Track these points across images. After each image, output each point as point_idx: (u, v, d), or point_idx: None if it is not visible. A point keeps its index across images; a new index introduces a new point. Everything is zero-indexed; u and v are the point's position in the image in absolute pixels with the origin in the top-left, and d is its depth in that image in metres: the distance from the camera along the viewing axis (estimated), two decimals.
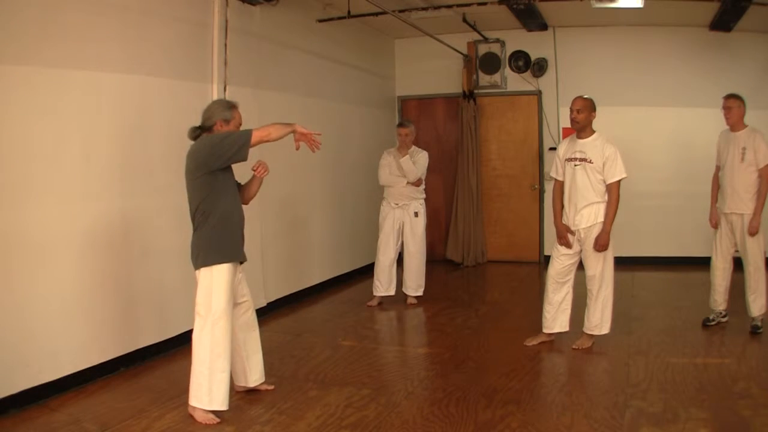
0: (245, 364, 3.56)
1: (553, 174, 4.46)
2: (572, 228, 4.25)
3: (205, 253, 3.25)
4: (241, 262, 3.42)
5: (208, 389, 3.19)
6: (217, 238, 3.25)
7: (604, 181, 4.19)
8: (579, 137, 4.29)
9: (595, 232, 4.18)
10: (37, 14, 3.44)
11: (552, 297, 4.37)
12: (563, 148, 4.40)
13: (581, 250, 4.28)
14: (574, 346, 4.36)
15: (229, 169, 3.30)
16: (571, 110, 4.25)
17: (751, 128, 4.55)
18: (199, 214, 3.27)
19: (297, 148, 3.35)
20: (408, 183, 5.63)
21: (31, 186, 3.46)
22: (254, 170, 3.47)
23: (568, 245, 4.26)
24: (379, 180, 5.76)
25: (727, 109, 4.57)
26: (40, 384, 3.47)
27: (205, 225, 3.26)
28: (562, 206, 4.36)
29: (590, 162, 4.19)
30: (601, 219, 4.18)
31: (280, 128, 3.23)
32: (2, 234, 3.31)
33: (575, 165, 4.24)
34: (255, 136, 3.13)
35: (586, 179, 4.21)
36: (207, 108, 3.40)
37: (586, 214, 4.21)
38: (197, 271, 3.29)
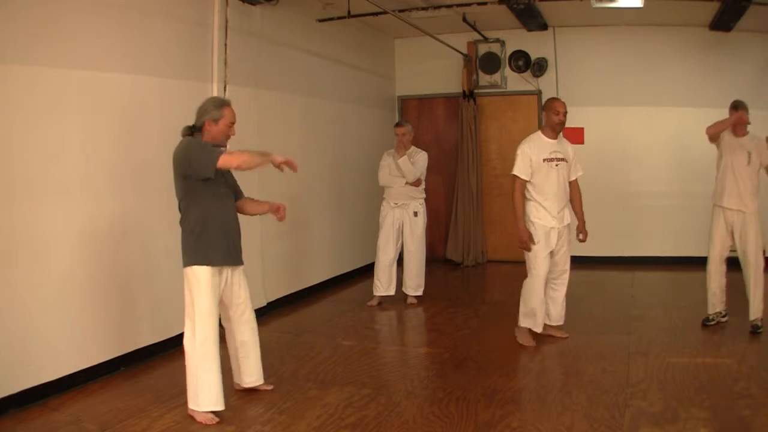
0: (241, 365, 3.57)
1: (523, 175, 4.33)
2: (556, 226, 4.35)
3: (185, 254, 3.28)
4: (234, 265, 3.40)
5: (197, 389, 3.21)
6: (194, 240, 3.26)
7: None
8: (552, 138, 4.40)
9: (571, 228, 4.48)
10: (38, 14, 3.44)
11: (542, 295, 4.43)
12: (536, 149, 4.35)
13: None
14: (565, 335, 4.59)
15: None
16: (560, 112, 4.33)
17: (753, 134, 4.61)
18: (180, 215, 3.31)
19: (281, 170, 3.32)
20: (407, 183, 5.63)
21: (31, 185, 3.46)
22: (274, 213, 3.59)
23: (530, 249, 4.36)
24: (378, 181, 5.76)
25: (745, 124, 4.57)
26: (40, 384, 3.47)
27: (184, 226, 3.29)
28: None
29: (566, 161, 4.40)
30: (570, 217, 4.46)
31: (254, 159, 3.19)
32: (2, 233, 3.31)
33: (556, 165, 4.34)
34: (221, 162, 3.11)
35: (565, 178, 4.40)
36: (200, 106, 3.37)
37: (567, 211, 4.44)
38: (183, 271, 3.30)
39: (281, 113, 5.66)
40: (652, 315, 5.21)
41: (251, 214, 3.71)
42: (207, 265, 3.24)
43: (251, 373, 3.59)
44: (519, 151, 4.37)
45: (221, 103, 3.36)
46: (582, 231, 4.54)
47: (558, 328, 4.60)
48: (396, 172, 5.62)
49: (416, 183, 5.65)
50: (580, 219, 4.54)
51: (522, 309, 4.49)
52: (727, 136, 4.71)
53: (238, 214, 3.52)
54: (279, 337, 4.77)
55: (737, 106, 4.60)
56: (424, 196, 5.82)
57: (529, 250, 4.35)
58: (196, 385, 3.21)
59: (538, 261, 4.37)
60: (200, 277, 3.23)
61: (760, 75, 6.77)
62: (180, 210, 3.31)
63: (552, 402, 3.47)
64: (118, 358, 3.99)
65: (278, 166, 3.28)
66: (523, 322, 4.49)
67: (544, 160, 4.32)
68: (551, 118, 4.35)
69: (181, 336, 4.28)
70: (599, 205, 7.29)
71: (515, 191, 4.37)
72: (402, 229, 5.74)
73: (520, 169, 4.34)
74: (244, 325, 3.54)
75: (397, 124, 5.79)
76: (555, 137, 4.38)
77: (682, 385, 3.63)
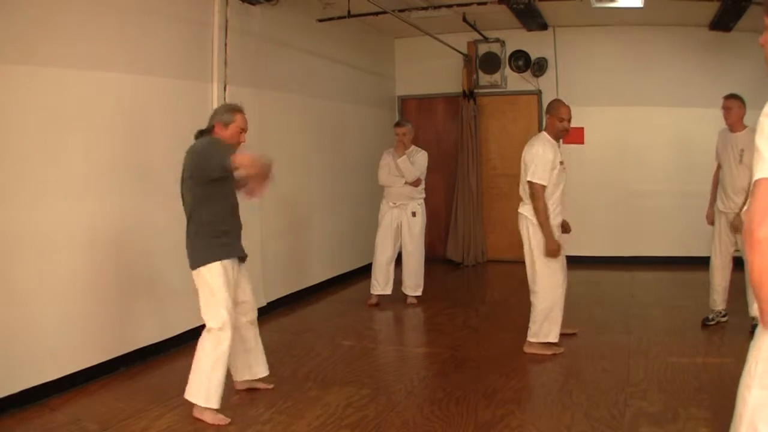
0: (248, 358, 3.58)
1: (545, 182, 4.08)
2: (558, 225, 4.28)
3: (197, 254, 3.28)
4: (240, 260, 3.42)
5: (208, 388, 3.21)
6: (205, 240, 3.26)
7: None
8: (556, 140, 4.27)
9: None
10: (38, 13, 3.44)
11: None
12: (552, 154, 4.14)
13: None
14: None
15: (221, 177, 3.24)
16: (565, 119, 4.16)
17: (750, 129, 4.54)
18: (188, 218, 3.30)
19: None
20: (406, 183, 5.63)
21: (31, 186, 3.46)
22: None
23: (557, 255, 4.15)
24: (378, 180, 5.76)
25: (726, 109, 4.57)
26: (40, 384, 3.47)
27: (193, 228, 3.29)
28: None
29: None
30: None
31: (263, 169, 3.12)
32: (2, 233, 3.31)
33: (564, 168, 4.26)
34: (236, 160, 3.04)
35: None
36: (215, 109, 3.43)
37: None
38: (193, 274, 3.30)
39: (281, 113, 5.66)
40: (652, 315, 5.21)
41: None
42: (219, 260, 3.26)
43: (259, 363, 3.62)
44: (540, 157, 4.08)
45: (233, 109, 3.37)
46: (566, 225, 4.42)
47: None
48: (396, 172, 5.62)
49: (416, 183, 5.65)
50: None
51: (546, 327, 4.19)
52: (723, 134, 4.70)
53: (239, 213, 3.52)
54: (279, 337, 4.77)
55: (724, 97, 4.60)
56: (423, 196, 5.81)
57: (557, 256, 4.12)
58: (207, 384, 3.21)
59: (560, 268, 4.23)
60: (216, 273, 3.24)
61: (760, 75, 6.75)
62: (187, 213, 3.30)
63: (552, 402, 3.47)
64: (118, 358, 3.99)
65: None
66: (551, 338, 4.21)
67: (560, 163, 4.19)
68: (555, 125, 4.16)
69: (181, 335, 4.32)
70: (599, 205, 7.32)
71: (540, 200, 4.06)
72: (400, 229, 5.75)
73: (544, 176, 4.07)
74: (249, 330, 3.54)
75: (397, 124, 5.78)
76: (557, 140, 4.32)
77: (682, 385, 3.63)
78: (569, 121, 4.19)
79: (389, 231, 5.72)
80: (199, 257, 3.27)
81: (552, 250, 4.08)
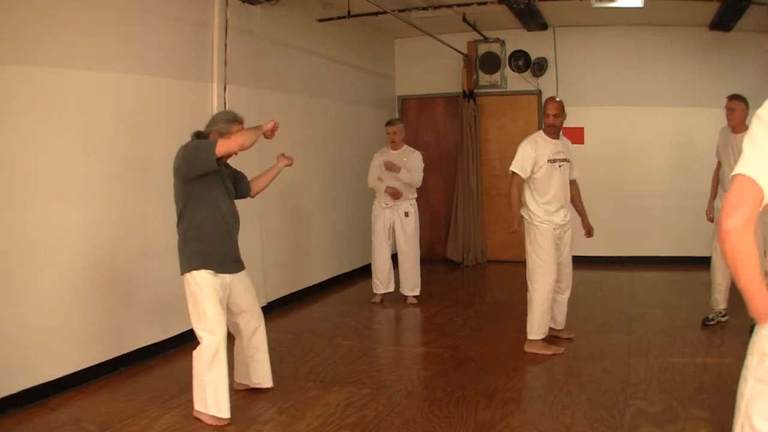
0: (249, 369, 3.55)
1: (519, 171, 4.23)
2: (559, 222, 4.28)
3: (183, 260, 3.27)
4: (234, 272, 3.38)
5: (206, 394, 3.19)
6: (191, 244, 3.25)
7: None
8: (554, 138, 4.31)
9: (568, 229, 4.37)
10: (37, 13, 3.44)
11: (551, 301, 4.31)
12: (539, 150, 4.24)
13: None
14: (571, 335, 4.54)
15: (211, 178, 3.24)
16: (550, 115, 4.24)
17: None
18: (178, 221, 3.29)
19: (271, 137, 3.33)
20: (386, 189, 5.62)
21: (31, 185, 3.46)
22: (270, 134, 3.34)
23: (516, 232, 4.34)
24: (368, 182, 5.78)
25: (730, 110, 4.56)
26: (40, 384, 3.47)
27: (182, 231, 3.28)
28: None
29: (568, 161, 4.34)
30: (569, 216, 4.38)
31: (249, 136, 3.17)
32: (2, 234, 3.31)
33: (560, 165, 4.28)
34: (220, 147, 3.08)
35: (566, 179, 4.34)
36: (214, 115, 3.43)
37: (564, 212, 4.34)
38: (182, 279, 3.28)
39: (281, 113, 5.63)
40: (652, 315, 5.21)
41: (263, 188, 3.70)
42: (206, 269, 3.22)
43: (258, 375, 3.58)
44: (520, 150, 4.30)
45: (232, 119, 3.35)
46: (587, 227, 4.56)
47: (562, 329, 4.57)
48: (384, 175, 5.62)
49: (395, 195, 5.61)
50: (584, 215, 4.56)
51: (535, 322, 4.26)
52: (724, 132, 4.70)
53: (240, 214, 3.51)
54: (279, 337, 4.76)
55: (728, 98, 4.59)
56: (415, 196, 5.81)
57: (515, 233, 4.33)
58: (204, 390, 3.19)
59: (545, 266, 4.23)
60: (201, 281, 3.21)
61: (760, 75, 6.77)
62: (178, 216, 3.30)
63: (552, 402, 3.47)
64: (118, 358, 3.99)
65: (269, 134, 3.29)
66: (537, 334, 4.28)
67: (548, 161, 4.23)
68: (544, 120, 4.34)
69: (180, 336, 4.32)
70: (599, 205, 7.27)
71: (512, 186, 4.29)
72: (394, 229, 5.75)
73: (518, 166, 4.25)
74: (256, 338, 3.51)
75: (389, 123, 5.78)
76: (556, 137, 4.32)
77: (682, 385, 3.63)
78: (555, 116, 4.25)
79: (383, 232, 5.74)
80: (185, 263, 3.26)
81: (509, 227, 4.35)
